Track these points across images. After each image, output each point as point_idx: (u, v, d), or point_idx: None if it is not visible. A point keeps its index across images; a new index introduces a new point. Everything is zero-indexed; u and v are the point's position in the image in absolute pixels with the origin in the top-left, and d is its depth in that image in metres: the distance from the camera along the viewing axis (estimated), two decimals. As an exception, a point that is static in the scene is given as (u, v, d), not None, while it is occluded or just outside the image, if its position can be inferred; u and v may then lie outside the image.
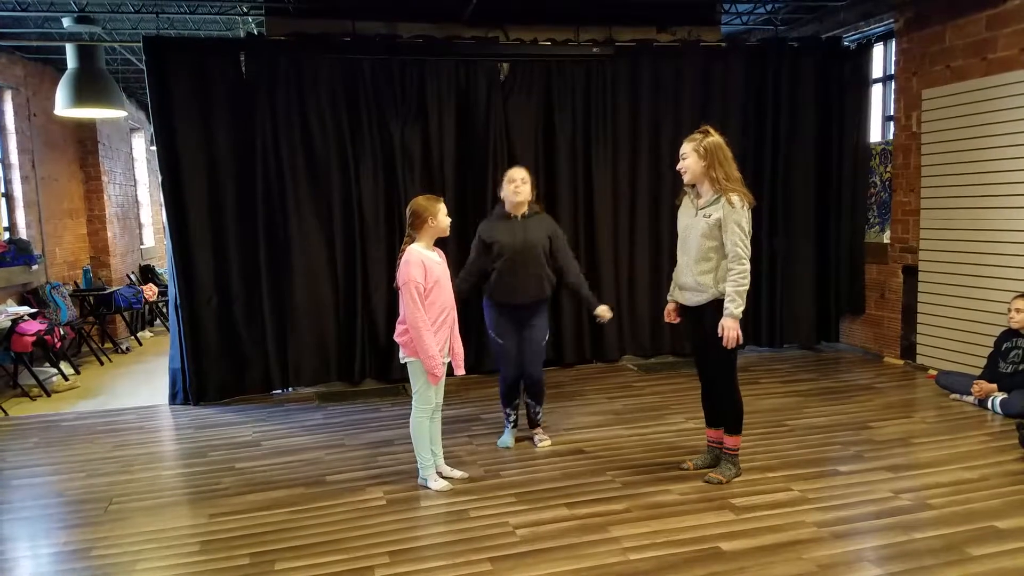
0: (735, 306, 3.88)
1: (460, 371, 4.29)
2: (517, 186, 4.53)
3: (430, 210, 4.02)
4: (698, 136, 3.99)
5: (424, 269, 3.95)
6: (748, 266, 3.90)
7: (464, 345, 4.35)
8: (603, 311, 4.68)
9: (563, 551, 3.39)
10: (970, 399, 5.46)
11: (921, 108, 6.43)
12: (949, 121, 6.16)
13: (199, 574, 3.30)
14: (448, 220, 4.09)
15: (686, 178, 4.05)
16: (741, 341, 3.95)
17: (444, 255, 4.20)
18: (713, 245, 3.95)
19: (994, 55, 5.75)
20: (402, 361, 4.13)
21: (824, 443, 4.75)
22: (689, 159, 3.99)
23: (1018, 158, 5.59)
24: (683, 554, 3.34)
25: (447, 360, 4.16)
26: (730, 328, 3.90)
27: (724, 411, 4.19)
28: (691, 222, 4.07)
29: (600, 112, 6.75)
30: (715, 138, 3.96)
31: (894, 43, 6.82)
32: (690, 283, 4.05)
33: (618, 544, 3.44)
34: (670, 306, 4.30)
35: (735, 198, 3.88)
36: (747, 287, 3.91)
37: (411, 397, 4.14)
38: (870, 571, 3.17)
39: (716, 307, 3.97)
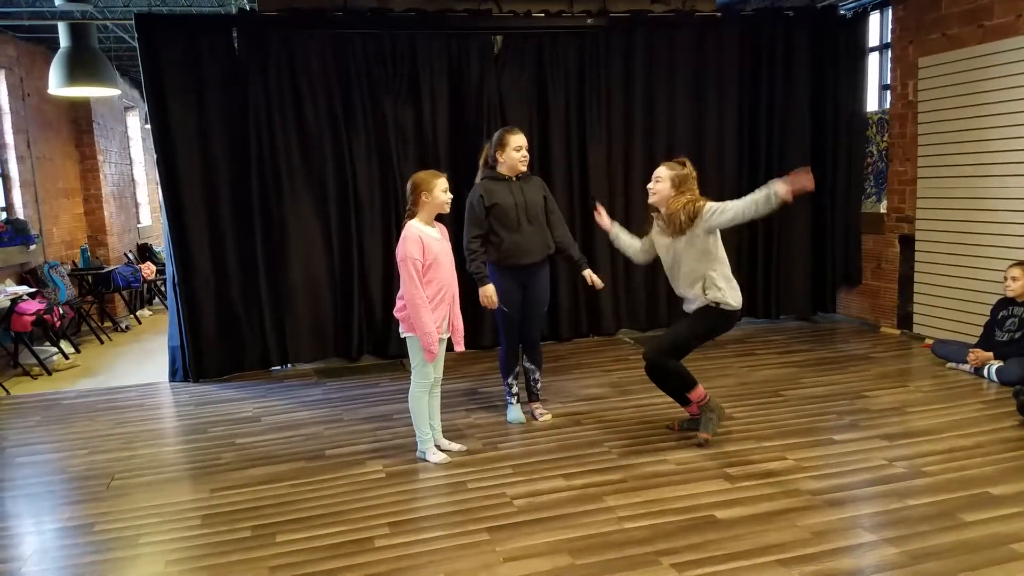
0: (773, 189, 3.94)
1: (460, 348, 4.31)
2: (524, 154, 4.52)
3: (426, 184, 4.01)
4: (677, 166, 4.18)
5: (422, 245, 3.95)
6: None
7: (463, 321, 4.36)
8: (591, 276, 4.68)
9: (560, 520, 3.43)
10: (966, 368, 5.49)
11: (917, 76, 6.40)
12: (946, 89, 6.14)
13: (201, 547, 3.34)
14: (446, 196, 4.05)
15: (653, 199, 4.22)
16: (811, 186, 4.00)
17: (446, 231, 4.20)
18: (702, 262, 4.13)
19: (990, 22, 5.72)
20: (401, 336, 4.16)
21: (819, 413, 4.78)
22: (662, 184, 4.17)
23: (1015, 126, 5.58)
24: (678, 522, 3.38)
25: (446, 336, 4.19)
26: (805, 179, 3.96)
27: (667, 390, 4.42)
28: (670, 244, 4.24)
29: (594, 83, 6.72)
30: (690, 171, 4.18)
31: (890, 11, 6.78)
32: (691, 296, 4.25)
33: (614, 513, 3.48)
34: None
35: (697, 210, 4.06)
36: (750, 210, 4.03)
37: (410, 372, 4.17)
38: (864, 538, 3.20)
39: (710, 307, 4.16)
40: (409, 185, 4.07)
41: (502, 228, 4.49)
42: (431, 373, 4.13)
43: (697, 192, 4.19)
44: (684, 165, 4.20)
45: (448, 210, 4.11)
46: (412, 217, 4.04)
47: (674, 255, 4.22)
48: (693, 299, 4.22)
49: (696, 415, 4.44)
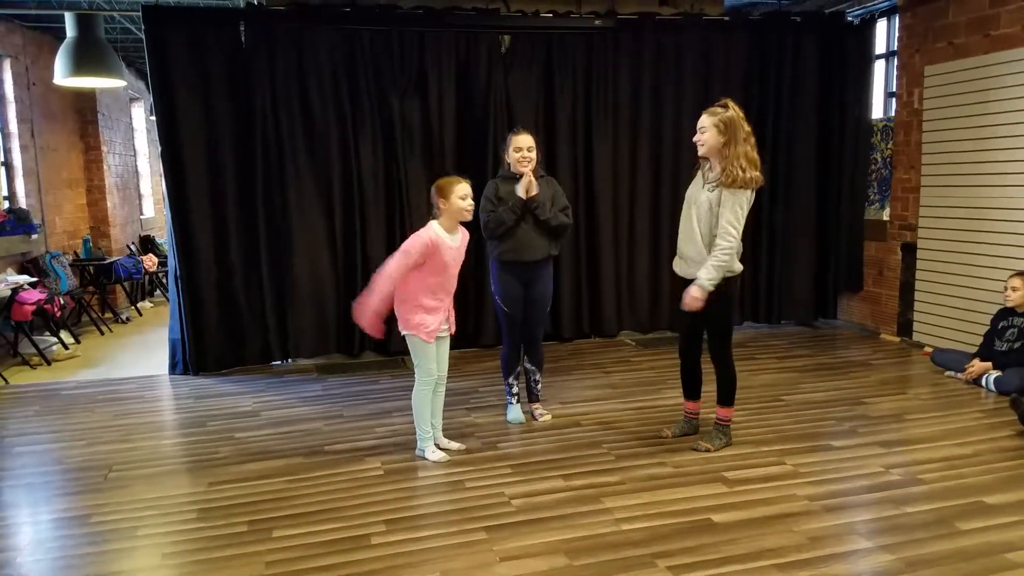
0: (707, 278, 3.92)
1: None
2: (523, 155, 4.52)
3: (443, 191, 4.02)
4: (718, 110, 3.95)
5: (431, 249, 3.96)
6: (733, 245, 3.92)
7: (462, 319, 4.37)
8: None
9: (557, 521, 3.44)
10: (964, 376, 5.48)
11: (923, 85, 6.40)
12: (951, 98, 6.14)
13: (198, 541, 3.34)
14: (464, 203, 4.02)
15: (702, 151, 4.01)
16: (699, 308, 3.99)
17: (467, 238, 4.21)
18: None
19: (997, 32, 5.72)
20: (401, 333, 4.17)
21: (818, 418, 4.78)
22: (708, 133, 3.95)
23: (1019, 136, 5.58)
24: (675, 525, 3.38)
25: (446, 334, 4.20)
26: (695, 300, 3.96)
27: (719, 383, 4.24)
28: (697, 194, 4.06)
29: (601, 86, 6.71)
30: (734, 112, 3.92)
31: (897, 19, 6.78)
32: (697, 258, 4.06)
33: (611, 515, 3.49)
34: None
35: (738, 178, 3.86)
36: (727, 265, 3.95)
37: (410, 369, 4.17)
38: (860, 544, 3.21)
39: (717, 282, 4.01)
40: (431, 190, 4.10)
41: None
42: (433, 371, 4.13)
43: (750, 143, 3.92)
44: (726, 107, 3.93)
45: (469, 217, 4.09)
46: (435, 219, 4.07)
47: (701, 214, 3.99)
48: (699, 263, 4.01)
49: (693, 416, 4.45)
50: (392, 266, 3.96)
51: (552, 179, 4.81)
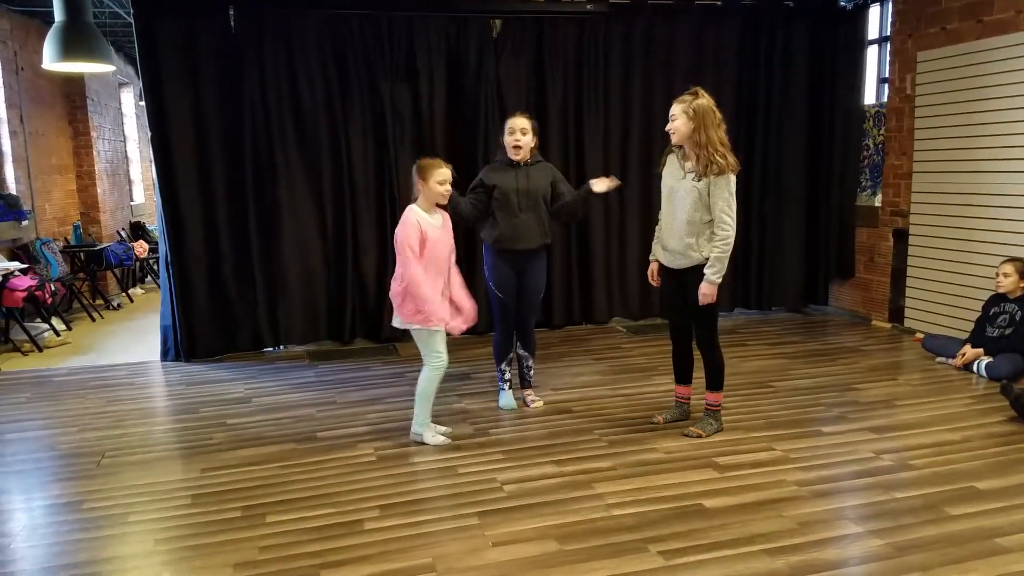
0: (714, 273, 4.00)
1: (457, 330, 4.27)
2: (517, 139, 4.49)
3: (423, 173, 4.02)
4: (688, 98, 3.97)
5: (420, 231, 3.96)
6: (732, 233, 3.99)
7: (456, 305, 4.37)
8: (600, 181, 4.51)
9: (549, 507, 3.45)
10: (955, 362, 5.51)
11: (916, 71, 6.40)
12: (943, 84, 6.14)
13: (191, 526, 3.35)
14: (442, 189, 4.03)
15: (674, 139, 4.05)
16: (714, 301, 4.09)
17: (449, 219, 4.20)
18: (707, 218, 4.00)
19: (990, 17, 5.71)
20: (400, 327, 4.17)
21: (808, 404, 4.80)
22: (678, 121, 3.97)
23: (1012, 122, 5.59)
24: (666, 510, 3.40)
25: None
26: (707, 296, 4.04)
27: (707, 369, 4.26)
28: (678, 184, 4.08)
29: (593, 71, 6.69)
30: (705, 100, 3.95)
31: (890, 4, 6.77)
32: (679, 248, 4.08)
33: (603, 500, 3.50)
34: (654, 266, 4.34)
35: (721, 164, 3.90)
36: (728, 254, 4.01)
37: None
38: (850, 529, 3.23)
39: (701, 271, 4.05)
40: (413, 169, 4.10)
41: (500, 211, 4.52)
42: (444, 355, 4.11)
43: (721, 129, 3.95)
44: (697, 95, 3.94)
45: (445, 201, 4.12)
46: (414, 201, 4.05)
47: (684, 202, 4.01)
48: (692, 255, 4.05)
49: (684, 400, 4.48)
50: (409, 271, 3.95)
51: (548, 164, 4.77)
